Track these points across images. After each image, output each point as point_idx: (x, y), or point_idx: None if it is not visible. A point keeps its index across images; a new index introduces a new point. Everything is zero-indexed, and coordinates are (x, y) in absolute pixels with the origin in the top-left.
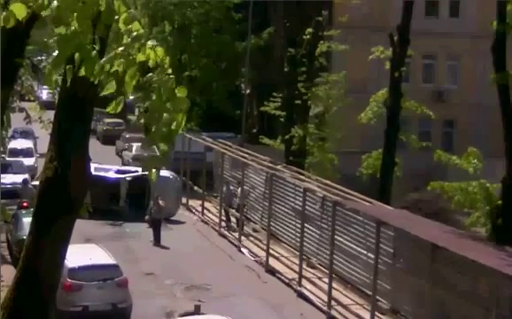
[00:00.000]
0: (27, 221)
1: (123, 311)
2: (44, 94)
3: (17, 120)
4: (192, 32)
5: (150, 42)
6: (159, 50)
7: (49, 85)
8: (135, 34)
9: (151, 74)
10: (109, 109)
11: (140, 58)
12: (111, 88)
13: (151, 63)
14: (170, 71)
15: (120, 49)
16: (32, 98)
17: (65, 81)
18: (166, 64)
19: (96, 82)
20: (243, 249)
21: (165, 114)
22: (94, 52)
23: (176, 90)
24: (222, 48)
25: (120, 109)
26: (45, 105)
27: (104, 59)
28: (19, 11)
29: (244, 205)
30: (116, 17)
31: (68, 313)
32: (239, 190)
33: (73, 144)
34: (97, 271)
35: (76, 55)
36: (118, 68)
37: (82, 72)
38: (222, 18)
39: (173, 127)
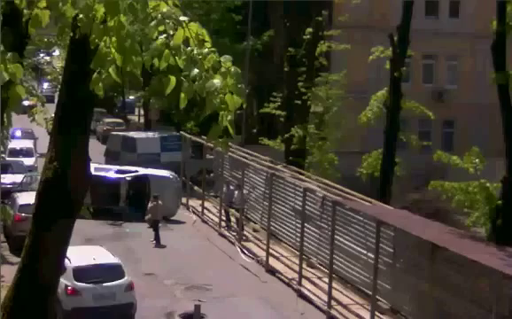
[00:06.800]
0: None
1: None
2: (44, 86)
3: (18, 120)
4: None
5: (183, 19)
6: (193, 25)
7: (97, 91)
8: (165, 10)
9: (191, 48)
10: (182, 104)
11: (178, 38)
12: (171, 83)
13: (191, 41)
14: (209, 44)
15: (161, 38)
16: (34, 100)
17: (66, 80)
18: (205, 37)
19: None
20: (237, 248)
21: (215, 81)
22: (132, 44)
23: (222, 62)
24: (222, 49)
25: (186, 102)
26: (46, 98)
27: (148, 52)
28: (45, 16)
29: (243, 209)
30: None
31: (18, 236)
32: (236, 192)
33: (73, 145)
34: None
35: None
36: (168, 62)
37: (130, 67)
38: (222, 19)
39: (227, 97)
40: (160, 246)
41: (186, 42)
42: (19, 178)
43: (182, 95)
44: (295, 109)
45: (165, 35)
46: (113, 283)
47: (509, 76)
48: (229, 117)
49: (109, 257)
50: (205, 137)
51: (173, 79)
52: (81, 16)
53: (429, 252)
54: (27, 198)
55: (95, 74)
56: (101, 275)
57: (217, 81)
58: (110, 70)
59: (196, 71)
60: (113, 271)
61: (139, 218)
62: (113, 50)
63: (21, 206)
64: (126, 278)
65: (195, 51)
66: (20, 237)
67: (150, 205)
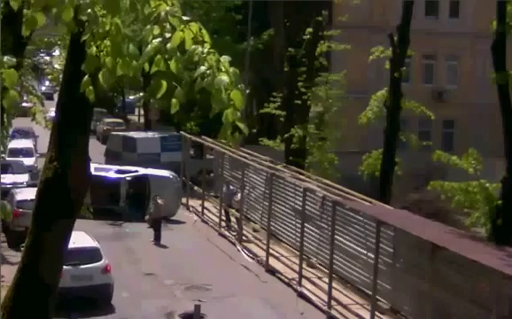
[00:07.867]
0: None
1: None
2: (46, 84)
3: (18, 119)
4: None
5: (184, 18)
6: (194, 25)
7: (88, 95)
8: (168, 8)
9: (194, 47)
10: (173, 109)
11: (176, 40)
12: (162, 88)
13: (188, 43)
14: (209, 45)
15: (156, 41)
16: (35, 101)
17: (66, 80)
18: (205, 37)
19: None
20: (238, 248)
21: (223, 78)
22: (132, 48)
23: (221, 62)
24: (222, 49)
25: (178, 107)
26: (45, 96)
27: (143, 56)
28: (41, 18)
29: (243, 210)
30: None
31: (16, 231)
32: (239, 195)
33: (73, 145)
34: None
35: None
36: (159, 67)
37: (119, 71)
38: (222, 19)
39: (233, 94)
40: (160, 246)
41: (181, 45)
42: (19, 178)
43: (174, 100)
44: (295, 109)
45: (159, 40)
46: (90, 265)
47: (509, 76)
48: (238, 113)
49: (88, 241)
50: (205, 137)
51: (164, 84)
52: (89, 10)
53: (429, 252)
54: (25, 193)
55: (86, 77)
56: (79, 257)
57: (225, 77)
58: (99, 75)
59: (203, 68)
60: (91, 254)
61: (139, 218)
62: (104, 55)
63: (19, 201)
64: (103, 261)
65: (199, 49)
66: (18, 232)
67: (158, 202)
